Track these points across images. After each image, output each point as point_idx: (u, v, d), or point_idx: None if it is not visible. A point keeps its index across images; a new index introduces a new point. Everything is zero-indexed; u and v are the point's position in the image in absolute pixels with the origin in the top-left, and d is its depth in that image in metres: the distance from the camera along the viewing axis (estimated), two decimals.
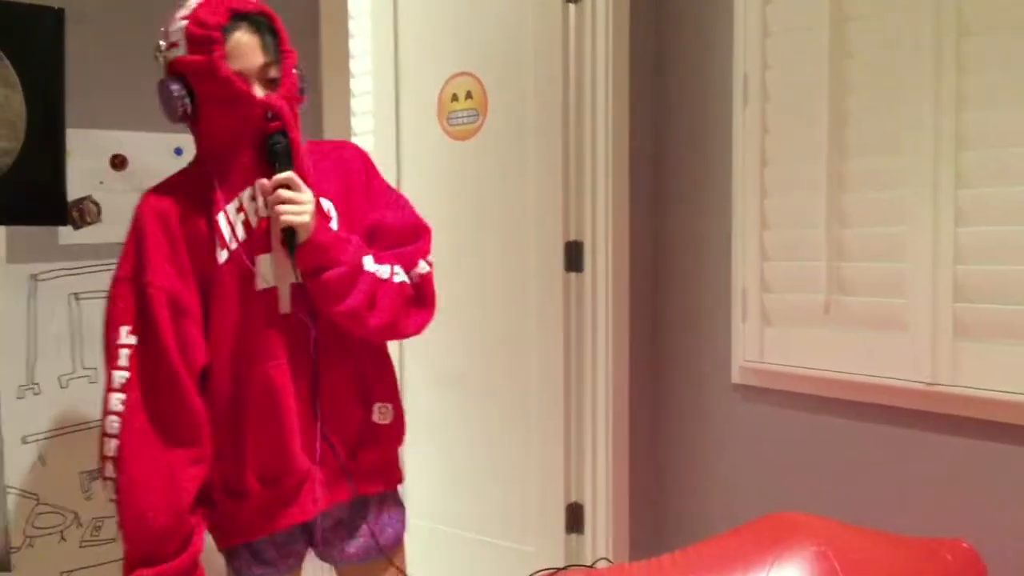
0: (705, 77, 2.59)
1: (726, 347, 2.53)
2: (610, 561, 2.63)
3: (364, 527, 1.86)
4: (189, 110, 1.65)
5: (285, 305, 1.72)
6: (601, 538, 2.72)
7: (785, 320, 2.37)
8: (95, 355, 2.10)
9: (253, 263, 1.69)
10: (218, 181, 1.68)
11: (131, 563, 1.61)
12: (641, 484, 2.75)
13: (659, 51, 2.74)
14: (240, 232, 1.69)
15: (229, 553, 1.82)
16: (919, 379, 2.08)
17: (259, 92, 1.65)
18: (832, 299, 2.25)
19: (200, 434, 1.65)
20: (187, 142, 2.20)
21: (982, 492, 2.02)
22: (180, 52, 1.63)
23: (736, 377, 2.51)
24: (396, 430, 1.89)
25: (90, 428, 2.11)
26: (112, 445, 1.61)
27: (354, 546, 1.86)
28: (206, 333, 1.68)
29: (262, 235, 1.70)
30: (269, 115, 1.65)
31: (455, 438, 3.01)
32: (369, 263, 1.74)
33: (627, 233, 2.72)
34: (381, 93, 3.13)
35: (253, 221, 1.70)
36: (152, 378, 1.62)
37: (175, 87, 1.63)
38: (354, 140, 2.47)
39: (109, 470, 1.62)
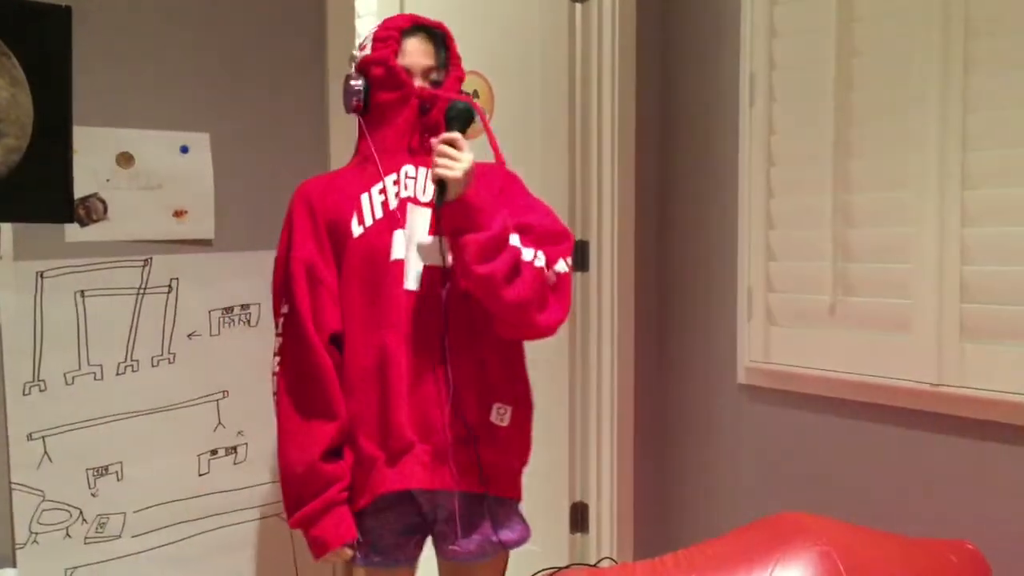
0: (712, 77, 2.59)
1: (731, 347, 2.53)
2: (614, 560, 2.62)
3: (483, 524, 1.88)
4: (362, 102, 1.86)
5: (411, 280, 1.82)
6: (605, 537, 2.72)
7: (791, 320, 2.37)
8: (101, 352, 2.11)
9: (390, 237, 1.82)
10: (369, 166, 1.88)
11: (287, 506, 1.85)
12: (646, 484, 2.75)
13: (666, 51, 2.74)
14: (379, 211, 1.85)
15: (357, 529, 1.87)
16: (925, 380, 2.08)
17: (418, 83, 1.86)
18: (838, 300, 2.25)
19: (328, 393, 1.81)
20: (193, 140, 2.21)
21: (987, 493, 2.02)
22: (366, 52, 1.88)
23: (741, 377, 2.51)
24: (516, 438, 1.92)
25: (95, 425, 2.11)
26: (273, 402, 1.87)
27: (471, 543, 1.88)
28: (340, 301, 1.84)
29: (398, 214, 1.84)
30: (426, 107, 1.84)
31: None
32: (515, 239, 1.80)
33: (633, 233, 2.71)
34: None
35: (392, 203, 1.85)
36: (292, 341, 1.84)
37: (356, 82, 1.86)
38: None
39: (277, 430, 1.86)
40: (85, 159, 2.06)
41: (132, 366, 2.15)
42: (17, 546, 2.02)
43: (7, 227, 2.00)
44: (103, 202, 2.12)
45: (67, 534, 2.09)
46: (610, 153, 2.68)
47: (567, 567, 2.19)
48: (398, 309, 1.81)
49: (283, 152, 2.29)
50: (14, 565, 2.02)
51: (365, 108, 1.87)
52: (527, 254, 1.80)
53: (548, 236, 1.89)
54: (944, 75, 2.03)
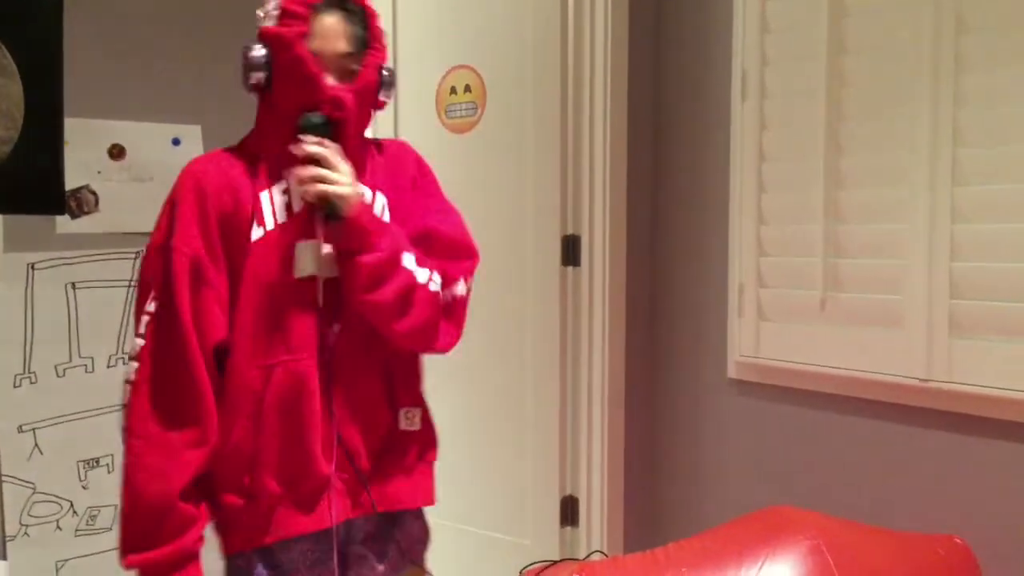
0: (704, 72, 2.59)
1: (722, 342, 2.54)
2: (604, 554, 2.63)
3: (393, 544, 1.72)
4: (263, 82, 1.58)
5: (322, 297, 1.61)
6: (596, 531, 2.72)
7: (781, 316, 2.38)
8: (92, 344, 2.11)
9: (291, 247, 1.59)
10: (267, 159, 1.61)
11: (124, 543, 1.53)
12: (636, 478, 2.76)
13: (658, 46, 2.74)
14: (281, 215, 1.60)
15: (232, 560, 1.65)
16: (914, 375, 2.09)
17: (330, 81, 1.58)
18: (828, 295, 2.26)
19: (203, 413, 1.53)
20: (185, 132, 2.20)
21: (975, 488, 2.03)
22: (271, 23, 1.58)
23: (732, 372, 2.52)
24: (426, 439, 1.76)
25: (86, 417, 2.11)
26: (123, 415, 1.55)
27: (384, 565, 1.71)
28: (230, 312, 1.58)
29: (305, 221, 1.60)
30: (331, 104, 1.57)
31: (450, 431, 3.01)
32: (409, 261, 1.63)
33: (624, 228, 2.72)
34: None
35: (296, 205, 1.60)
36: (163, 346, 1.54)
37: (256, 54, 1.57)
38: None
39: (121, 440, 1.56)
40: (76, 151, 2.06)
41: (123, 359, 2.15)
42: (8, 538, 2.02)
43: None
44: (94, 194, 2.11)
45: (58, 526, 2.08)
46: (602, 148, 2.68)
47: (558, 561, 2.19)
48: (306, 330, 1.59)
49: None
50: (4, 557, 2.02)
51: (267, 85, 1.58)
52: (421, 276, 1.63)
53: (452, 249, 1.72)
54: (935, 71, 2.03)
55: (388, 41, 3.08)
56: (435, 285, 1.66)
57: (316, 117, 1.55)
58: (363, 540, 1.70)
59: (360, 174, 1.63)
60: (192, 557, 1.54)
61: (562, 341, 2.74)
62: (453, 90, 2.94)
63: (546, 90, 2.72)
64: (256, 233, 1.58)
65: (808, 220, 2.29)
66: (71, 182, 2.06)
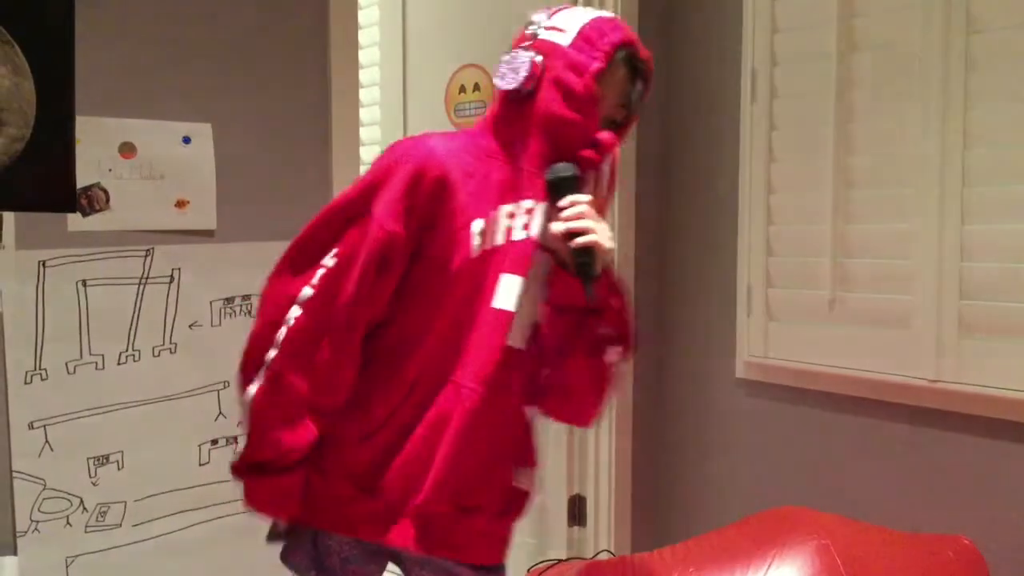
0: (714, 72, 2.59)
1: (730, 342, 2.53)
2: (612, 554, 2.63)
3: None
4: (531, 89, 1.50)
5: (516, 337, 1.52)
6: (603, 531, 2.72)
7: (790, 316, 2.38)
8: (102, 341, 2.12)
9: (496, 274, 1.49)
10: (515, 173, 1.52)
11: (244, 460, 1.51)
12: (644, 477, 2.76)
13: (668, 45, 2.74)
14: (500, 237, 1.50)
15: (297, 534, 1.59)
16: (923, 376, 2.09)
17: (601, 127, 1.52)
18: (837, 295, 2.25)
19: (337, 384, 1.50)
20: (196, 131, 2.21)
21: (984, 489, 2.03)
22: (559, 39, 1.51)
23: (740, 372, 2.51)
24: (529, 501, 1.69)
25: (97, 414, 2.12)
26: (271, 354, 1.48)
27: None
28: (405, 303, 1.52)
29: (516, 253, 1.49)
30: (593, 150, 1.51)
31: None
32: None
33: (633, 227, 2.72)
34: (389, 85, 3.13)
35: (515, 235, 1.50)
36: (329, 306, 1.48)
37: (539, 64, 1.51)
38: (361, 132, 2.48)
39: (261, 374, 1.49)
40: (87, 149, 2.06)
41: (133, 356, 2.16)
42: (18, 534, 2.03)
43: (9, 216, 2.00)
44: (105, 192, 2.12)
45: (68, 523, 2.09)
46: None
47: (565, 560, 2.20)
48: (485, 363, 1.48)
49: (285, 143, 2.29)
50: (15, 553, 2.02)
51: (528, 95, 1.51)
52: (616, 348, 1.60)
53: (628, 335, 1.63)
54: (945, 71, 2.03)
55: (398, 40, 3.09)
56: (615, 355, 1.60)
57: (568, 170, 1.48)
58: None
59: None
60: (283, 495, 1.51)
61: None
62: (462, 89, 2.94)
63: None
64: (475, 248, 1.49)
65: (817, 220, 2.28)
66: (82, 180, 2.07)
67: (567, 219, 1.47)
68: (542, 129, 1.51)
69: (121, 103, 2.11)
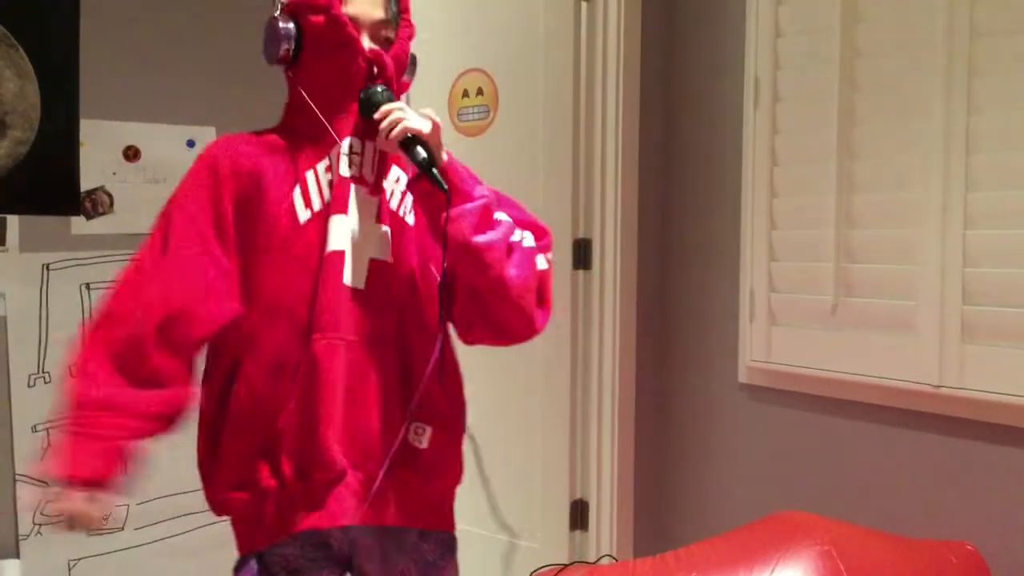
0: (716, 77, 2.60)
1: (733, 347, 2.53)
2: (614, 558, 2.63)
3: (404, 562, 1.63)
4: (291, 51, 1.53)
5: (351, 275, 1.52)
6: (605, 535, 2.72)
7: (792, 321, 2.38)
8: None
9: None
10: (309, 137, 1.55)
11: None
12: (646, 482, 2.76)
13: (671, 50, 2.74)
14: (327, 192, 1.53)
15: (243, 560, 1.58)
16: (926, 381, 2.09)
17: (368, 44, 1.53)
18: (840, 300, 2.25)
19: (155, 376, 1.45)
20: (199, 134, 2.21)
21: (988, 495, 2.02)
22: None
23: (743, 377, 2.51)
24: (437, 462, 1.63)
25: None
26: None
27: None
28: (266, 302, 1.51)
29: (343, 196, 1.52)
30: (375, 71, 1.52)
31: None
32: (501, 214, 1.56)
33: (635, 232, 2.72)
34: None
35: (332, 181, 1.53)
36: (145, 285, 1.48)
37: (285, 25, 1.52)
38: None
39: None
40: (92, 152, 2.07)
41: None
42: (21, 537, 2.03)
43: (13, 219, 2.01)
44: (109, 195, 2.12)
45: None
46: (614, 152, 2.68)
47: (567, 565, 2.19)
48: (335, 309, 1.49)
49: None
50: (17, 556, 2.03)
51: (294, 59, 1.54)
52: (515, 234, 1.54)
53: (528, 226, 1.62)
54: (948, 77, 2.03)
55: None
56: (529, 242, 1.57)
57: (379, 91, 1.52)
58: (366, 556, 1.62)
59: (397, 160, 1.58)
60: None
61: (573, 345, 2.74)
62: (465, 93, 2.94)
63: (558, 94, 2.72)
64: (304, 215, 1.51)
65: (820, 225, 2.28)
66: (86, 183, 2.08)
67: (381, 125, 1.48)
68: (318, 76, 1.53)
69: (125, 107, 2.12)
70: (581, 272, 2.74)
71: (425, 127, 1.48)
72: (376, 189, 1.55)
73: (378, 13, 1.54)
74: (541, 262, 1.59)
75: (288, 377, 1.49)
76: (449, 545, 1.71)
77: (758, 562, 1.73)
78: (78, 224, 2.08)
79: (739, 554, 1.77)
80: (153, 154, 2.14)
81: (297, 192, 1.52)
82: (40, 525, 2.04)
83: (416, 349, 1.58)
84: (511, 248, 1.52)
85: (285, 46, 1.52)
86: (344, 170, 1.52)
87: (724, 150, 2.56)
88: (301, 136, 1.56)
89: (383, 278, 1.54)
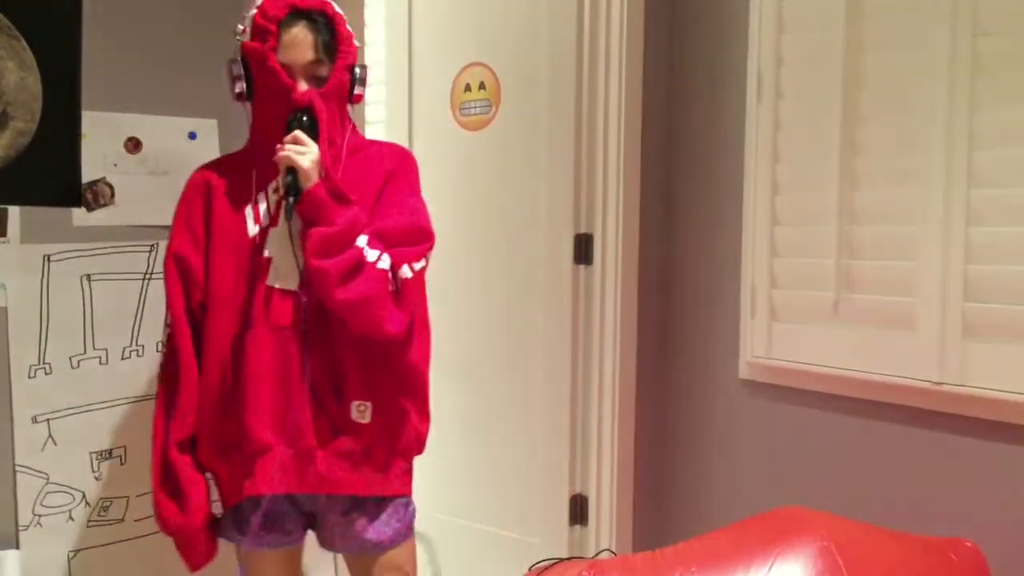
0: (719, 73, 2.59)
1: (734, 342, 2.53)
2: (614, 553, 2.63)
3: (356, 524, 1.90)
4: (244, 92, 1.81)
5: (285, 279, 1.81)
6: (605, 530, 2.72)
7: (794, 317, 2.37)
8: (106, 336, 2.12)
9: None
10: (259, 163, 1.82)
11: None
12: (646, 477, 2.76)
13: (673, 46, 2.74)
14: (273, 209, 1.84)
15: (222, 516, 1.94)
16: (927, 378, 2.08)
17: (303, 86, 1.79)
18: (841, 296, 2.25)
19: (189, 398, 1.84)
20: (201, 126, 2.21)
21: (988, 492, 2.02)
22: (246, 37, 1.81)
23: (743, 372, 2.51)
24: (383, 434, 1.88)
25: (100, 409, 2.12)
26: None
27: (345, 545, 1.93)
28: (215, 298, 1.83)
29: (275, 215, 1.84)
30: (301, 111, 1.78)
31: (461, 428, 3.02)
32: (362, 240, 1.78)
33: (637, 227, 2.72)
34: (394, 82, 3.13)
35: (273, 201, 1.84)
36: (175, 364, 1.84)
37: (236, 69, 1.80)
38: (367, 129, 2.47)
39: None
40: (93, 144, 2.07)
41: (137, 351, 2.16)
42: (20, 528, 2.03)
43: (15, 210, 2.01)
44: (111, 187, 2.12)
45: (70, 517, 2.10)
46: (616, 146, 2.68)
47: (566, 559, 2.19)
48: (264, 307, 1.80)
49: None
50: (17, 547, 2.03)
51: (250, 94, 1.82)
52: (371, 255, 1.79)
53: (406, 236, 1.86)
54: (951, 73, 2.03)
55: (403, 38, 3.09)
56: (384, 264, 1.80)
57: (296, 117, 1.76)
58: (328, 515, 1.91)
59: (334, 166, 1.82)
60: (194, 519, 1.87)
61: (573, 339, 2.74)
62: (467, 87, 2.94)
63: (561, 89, 2.72)
64: (252, 229, 1.82)
65: (822, 221, 2.28)
66: (88, 175, 2.08)
67: (283, 146, 1.76)
68: (264, 112, 1.83)
69: (127, 98, 2.11)
70: (582, 267, 2.73)
71: (303, 161, 1.74)
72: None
73: (308, 55, 1.80)
74: (405, 271, 1.83)
75: (228, 368, 1.82)
76: (405, 507, 1.97)
77: (757, 557, 1.73)
78: (79, 215, 2.08)
79: (739, 549, 1.77)
80: (155, 146, 2.14)
81: (251, 209, 1.84)
82: (40, 516, 2.04)
83: (328, 337, 1.84)
84: (353, 271, 1.76)
85: (239, 87, 1.81)
86: (277, 191, 1.84)
87: (726, 146, 2.56)
88: (254, 163, 1.85)
89: (308, 280, 1.80)
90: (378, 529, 1.90)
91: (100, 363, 2.11)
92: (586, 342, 2.75)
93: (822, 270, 2.28)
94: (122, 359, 2.13)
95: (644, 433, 2.75)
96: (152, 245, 2.15)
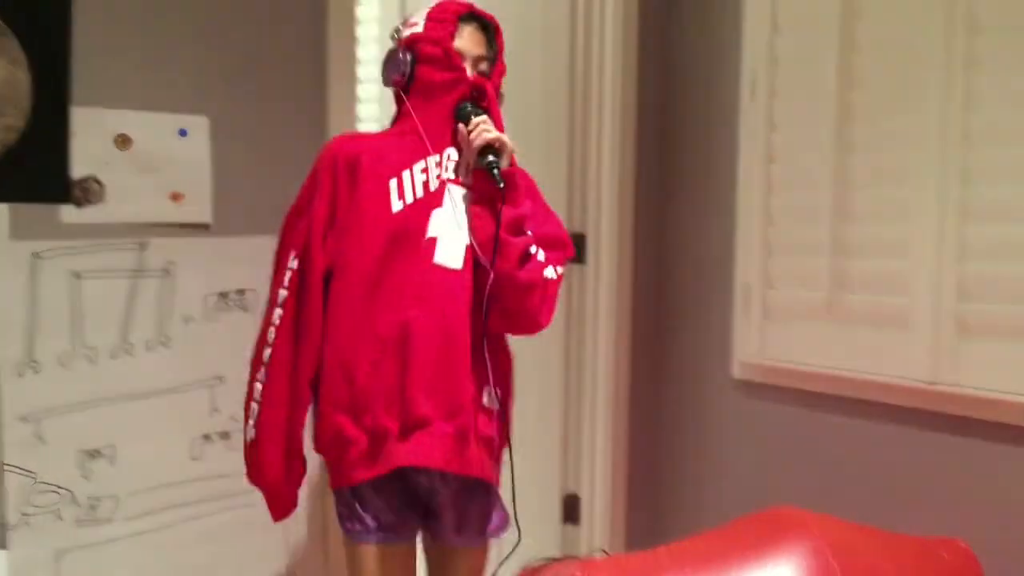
0: (713, 72, 2.59)
1: (727, 342, 2.53)
2: (606, 552, 2.63)
3: (476, 511, 1.95)
4: (405, 76, 1.91)
5: (442, 255, 1.85)
6: (597, 530, 2.72)
7: (787, 316, 2.37)
8: (95, 334, 2.11)
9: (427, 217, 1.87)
10: (412, 141, 1.90)
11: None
12: (639, 477, 2.76)
13: (667, 45, 2.73)
14: (419, 190, 1.88)
15: (338, 494, 1.92)
16: (920, 378, 2.08)
17: (470, 72, 1.92)
18: (835, 296, 2.25)
19: (313, 362, 1.87)
20: (192, 123, 2.20)
21: (980, 492, 2.02)
22: (416, 30, 1.92)
23: (737, 372, 2.51)
24: (500, 424, 1.93)
25: (89, 407, 2.11)
26: (267, 353, 1.88)
27: (469, 529, 1.96)
28: (351, 267, 1.86)
29: (437, 195, 1.88)
30: (473, 94, 1.90)
31: None
32: (528, 233, 1.89)
33: (631, 226, 2.71)
34: None
35: (432, 183, 1.89)
36: (302, 298, 1.87)
37: (404, 56, 1.91)
38: (359, 127, 2.47)
39: (260, 375, 1.89)
40: (83, 140, 2.05)
41: (127, 349, 2.15)
42: (8, 527, 2.02)
43: (3, 207, 1.99)
44: (100, 184, 2.11)
45: (59, 516, 2.08)
46: (609, 146, 2.68)
47: (558, 559, 2.19)
48: (430, 285, 1.83)
49: (281, 137, 2.28)
50: (5, 547, 2.01)
51: (407, 82, 1.92)
52: (531, 248, 1.88)
53: (549, 242, 1.94)
54: (946, 72, 2.02)
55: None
56: (541, 257, 1.89)
57: (466, 106, 1.88)
58: (446, 502, 1.92)
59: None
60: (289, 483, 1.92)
61: (566, 338, 2.74)
62: None
63: (554, 87, 2.71)
64: (396, 205, 1.87)
65: (815, 221, 2.28)
66: (77, 171, 2.06)
67: (472, 133, 1.85)
68: (427, 96, 1.91)
69: (117, 95, 2.10)
70: (576, 267, 2.73)
71: (504, 137, 1.86)
72: (481, 176, 1.88)
73: (479, 50, 1.95)
74: (550, 272, 1.90)
75: (387, 342, 1.82)
76: (498, 497, 2.01)
77: (750, 557, 1.72)
78: (68, 213, 2.06)
79: (731, 549, 1.77)
80: (145, 143, 2.12)
81: (395, 185, 1.88)
82: (28, 515, 2.02)
83: (488, 323, 1.87)
84: (526, 256, 1.86)
85: (399, 73, 1.92)
86: (444, 173, 1.90)
87: (720, 145, 2.56)
88: (405, 141, 1.92)
89: (470, 261, 1.86)
90: (493, 521, 1.98)
91: (89, 361, 2.10)
92: (579, 341, 2.74)
93: (815, 269, 2.28)
94: (111, 358, 2.12)
95: (637, 432, 2.75)
96: (142, 243, 2.14)
